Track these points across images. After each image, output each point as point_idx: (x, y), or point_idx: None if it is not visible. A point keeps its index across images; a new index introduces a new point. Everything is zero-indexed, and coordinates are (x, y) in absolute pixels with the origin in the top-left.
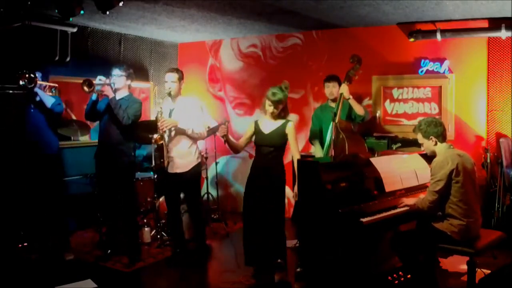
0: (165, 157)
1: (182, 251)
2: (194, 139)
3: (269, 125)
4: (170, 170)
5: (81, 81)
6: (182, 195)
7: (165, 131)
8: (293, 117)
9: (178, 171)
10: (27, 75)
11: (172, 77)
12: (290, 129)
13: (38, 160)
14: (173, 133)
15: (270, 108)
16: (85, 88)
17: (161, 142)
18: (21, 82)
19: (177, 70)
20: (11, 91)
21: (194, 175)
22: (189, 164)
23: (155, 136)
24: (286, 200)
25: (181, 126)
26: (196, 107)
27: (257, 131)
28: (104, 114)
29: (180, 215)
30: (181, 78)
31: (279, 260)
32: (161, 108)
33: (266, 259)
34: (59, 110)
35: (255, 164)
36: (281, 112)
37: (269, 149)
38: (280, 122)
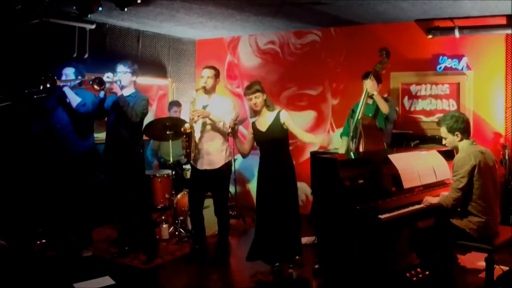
0: (192, 147)
1: (202, 247)
2: (224, 135)
3: (263, 122)
4: (199, 167)
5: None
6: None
7: (195, 121)
8: (310, 114)
9: (208, 168)
10: (47, 80)
11: (208, 72)
12: (284, 116)
13: (63, 159)
14: (207, 127)
15: (253, 101)
16: (95, 87)
17: (190, 131)
18: (48, 85)
19: (214, 67)
20: (35, 96)
21: (224, 173)
22: (219, 162)
23: (186, 125)
24: (304, 197)
25: (213, 118)
26: (229, 105)
27: (255, 132)
28: (111, 112)
29: (202, 211)
30: (217, 76)
31: (297, 257)
32: (194, 98)
33: (280, 255)
34: (83, 111)
35: (261, 164)
36: (268, 105)
37: (271, 145)
38: (272, 115)
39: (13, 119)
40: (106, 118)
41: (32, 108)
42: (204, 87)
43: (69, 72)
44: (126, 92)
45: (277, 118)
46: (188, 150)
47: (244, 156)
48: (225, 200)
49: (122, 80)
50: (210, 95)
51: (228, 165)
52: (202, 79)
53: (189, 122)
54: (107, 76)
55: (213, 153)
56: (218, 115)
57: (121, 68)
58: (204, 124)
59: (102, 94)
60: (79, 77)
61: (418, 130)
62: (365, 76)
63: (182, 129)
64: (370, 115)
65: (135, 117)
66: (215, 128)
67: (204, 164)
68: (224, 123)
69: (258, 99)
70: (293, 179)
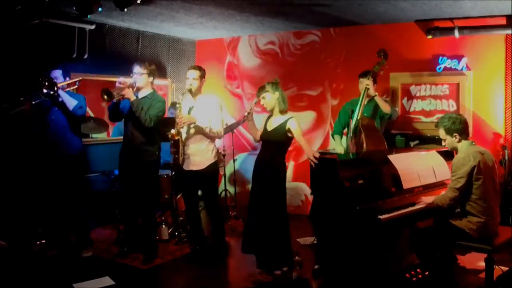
0: (180, 153)
1: (202, 248)
2: (211, 137)
3: (272, 122)
4: (185, 168)
5: (98, 78)
6: (199, 192)
7: (182, 127)
8: (310, 114)
9: (194, 168)
10: (46, 83)
11: (193, 74)
12: (291, 126)
13: (59, 160)
14: (191, 131)
15: (261, 102)
16: (105, 97)
17: (178, 137)
18: (44, 91)
19: (199, 68)
20: (33, 102)
21: (211, 174)
22: (205, 162)
23: (172, 131)
24: (303, 197)
25: (199, 124)
26: (215, 106)
27: (264, 127)
28: (128, 115)
29: (199, 212)
30: (202, 76)
31: (296, 258)
32: (180, 103)
33: (266, 253)
34: (81, 113)
35: (257, 158)
36: (281, 109)
37: (269, 146)
38: (282, 119)
39: (12, 119)
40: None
41: (31, 110)
42: (189, 90)
43: (58, 75)
44: (143, 93)
45: (283, 124)
46: (176, 156)
47: (255, 140)
48: (215, 200)
49: (138, 81)
50: (195, 97)
51: (214, 166)
52: (187, 80)
53: (175, 128)
54: (119, 82)
55: (199, 154)
56: (204, 119)
57: (137, 69)
58: (189, 128)
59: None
60: (67, 78)
61: (417, 130)
62: (364, 74)
63: (170, 136)
64: (367, 115)
65: (149, 121)
66: (200, 132)
67: (190, 165)
68: (210, 128)
69: (265, 99)
70: (281, 185)
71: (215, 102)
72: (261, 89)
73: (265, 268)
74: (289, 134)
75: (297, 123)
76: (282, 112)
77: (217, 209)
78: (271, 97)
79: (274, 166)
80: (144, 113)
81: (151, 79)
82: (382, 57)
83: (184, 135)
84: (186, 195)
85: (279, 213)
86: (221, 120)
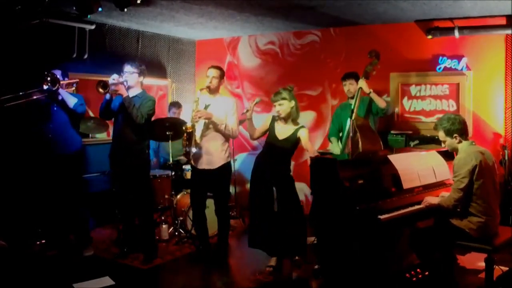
0: (192, 145)
1: (205, 248)
2: (226, 136)
3: (283, 131)
4: (199, 166)
5: (99, 79)
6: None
7: (197, 121)
8: (310, 114)
9: (207, 167)
10: (49, 78)
11: (214, 72)
12: (301, 135)
13: (59, 158)
14: (210, 126)
15: (276, 109)
16: (100, 90)
17: (191, 130)
18: (45, 87)
19: (220, 68)
20: (35, 97)
21: (223, 173)
22: (218, 162)
23: (187, 124)
24: (303, 197)
25: (216, 119)
26: (232, 105)
27: (270, 130)
28: (118, 113)
29: (205, 211)
30: (222, 77)
31: (296, 258)
32: (198, 98)
33: (283, 251)
34: (82, 110)
35: (262, 157)
36: (293, 118)
37: (279, 152)
38: (292, 128)
39: (12, 119)
40: (113, 119)
41: (31, 108)
42: (208, 87)
43: (58, 75)
44: (133, 92)
45: (295, 133)
46: (188, 149)
47: (251, 138)
48: (225, 200)
49: (129, 80)
50: (213, 95)
51: (227, 165)
52: (207, 78)
53: (191, 121)
54: (113, 78)
55: (213, 153)
56: (220, 117)
57: (128, 68)
58: (206, 124)
59: (108, 95)
60: (66, 79)
61: (417, 130)
62: (344, 77)
63: (184, 128)
64: (360, 114)
65: (140, 118)
66: (216, 129)
67: (203, 164)
68: (227, 125)
69: (281, 106)
70: (292, 183)
71: (231, 102)
72: (278, 94)
73: (278, 256)
74: (299, 142)
75: (307, 132)
76: (295, 121)
77: (226, 210)
78: (287, 105)
79: (283, 170)
80: (136, 109)
81: (141, 78)
82: (374, 57)
83: (199, 134)
84: (194, 194)
85: (297, 212)
86: (236, 120)
